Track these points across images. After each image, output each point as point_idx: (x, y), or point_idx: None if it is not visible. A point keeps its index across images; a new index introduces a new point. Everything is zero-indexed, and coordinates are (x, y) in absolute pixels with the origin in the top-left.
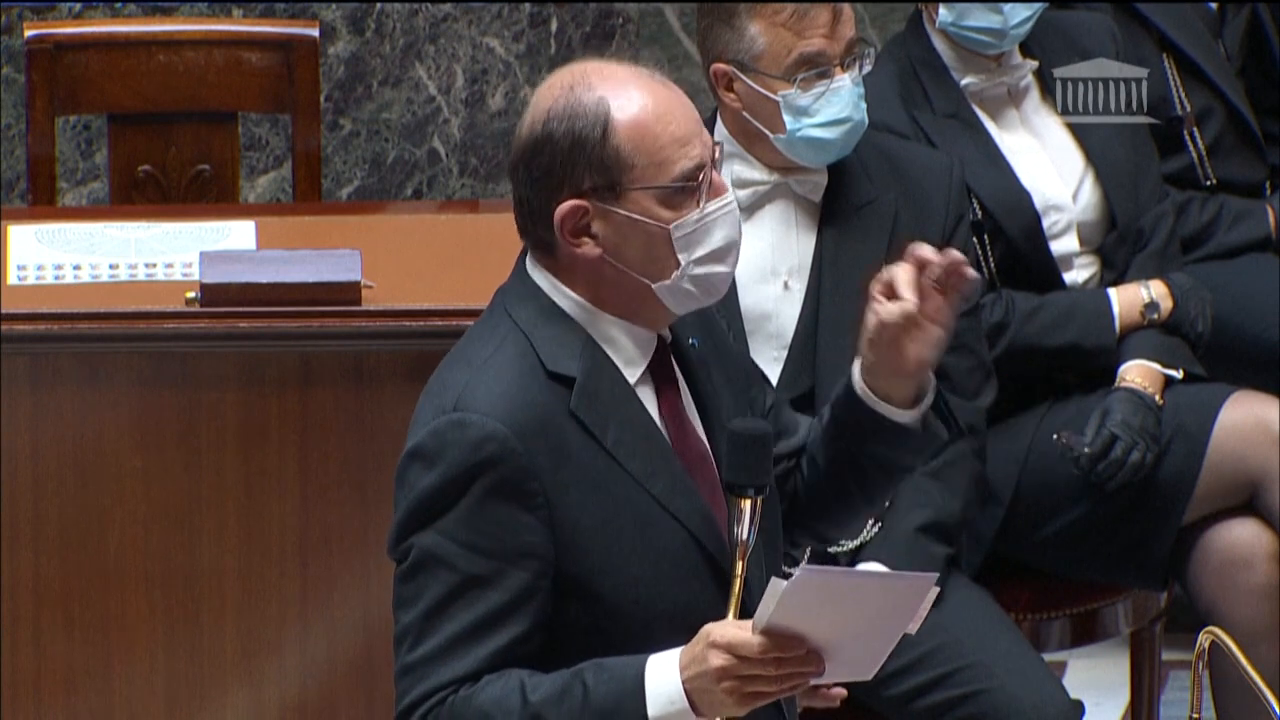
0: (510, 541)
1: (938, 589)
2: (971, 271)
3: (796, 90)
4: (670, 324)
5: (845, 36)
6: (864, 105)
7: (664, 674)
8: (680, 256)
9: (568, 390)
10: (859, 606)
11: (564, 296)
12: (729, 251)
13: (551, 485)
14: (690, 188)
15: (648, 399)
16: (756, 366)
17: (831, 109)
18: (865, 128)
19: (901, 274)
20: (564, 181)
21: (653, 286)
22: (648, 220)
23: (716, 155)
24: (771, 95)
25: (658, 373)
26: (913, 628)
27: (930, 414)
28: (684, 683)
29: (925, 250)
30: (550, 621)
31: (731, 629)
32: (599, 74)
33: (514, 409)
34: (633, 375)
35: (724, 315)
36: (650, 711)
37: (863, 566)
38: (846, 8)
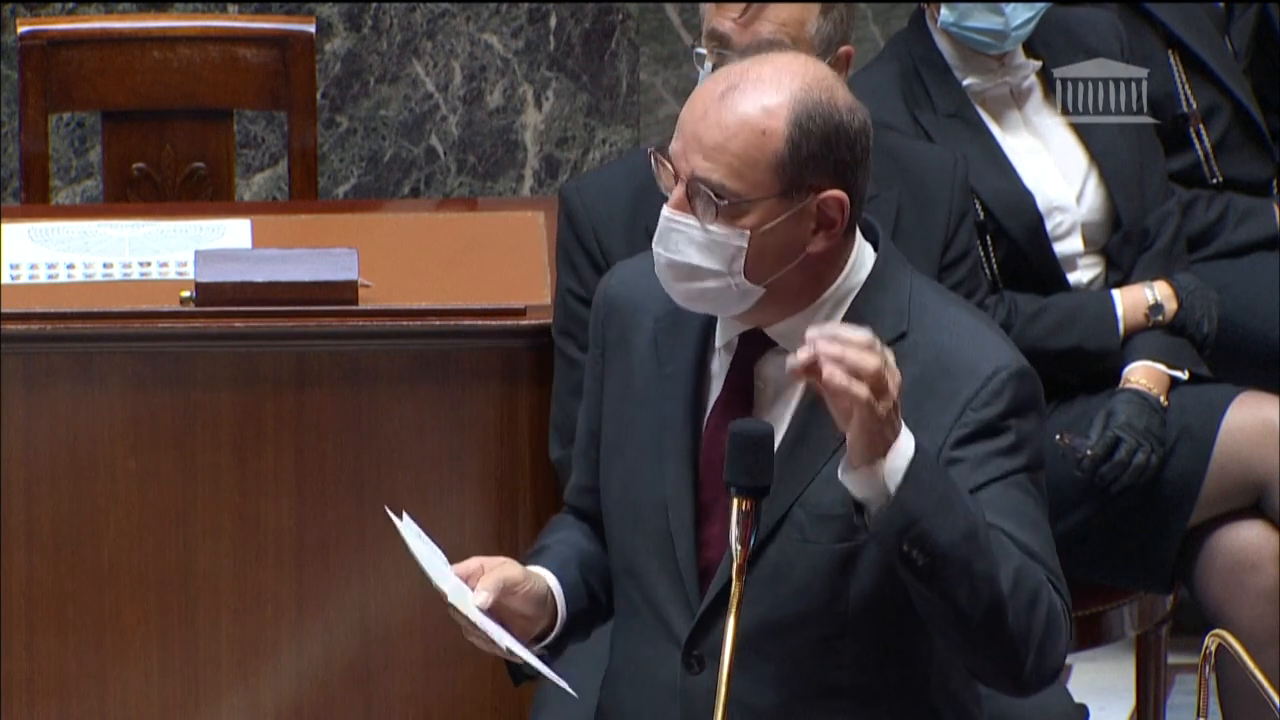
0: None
1: None
2: None
3: (706, 61)
4: (741, 329)
5: (759, 33)
6: None
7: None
8: None
9: (673, 308)
10: None
11: None
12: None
13: (610, 354)
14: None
15: (719, 376)
16: None
17: None
18: None
19: None
20: None
21: None
22: None
23: (685, 190)
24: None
25: (736, 364)
26: None
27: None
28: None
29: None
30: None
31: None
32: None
33: (634, 273)
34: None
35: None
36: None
37: None
38: (780, 10)
